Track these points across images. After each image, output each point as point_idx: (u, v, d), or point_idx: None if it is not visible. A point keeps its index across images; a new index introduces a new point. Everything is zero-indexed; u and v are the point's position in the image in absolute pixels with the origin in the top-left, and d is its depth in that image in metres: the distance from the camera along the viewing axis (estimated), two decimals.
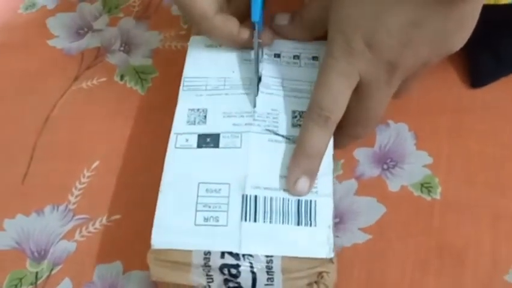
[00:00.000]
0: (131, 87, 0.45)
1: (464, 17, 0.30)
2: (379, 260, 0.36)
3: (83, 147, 0.42)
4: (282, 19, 0.37)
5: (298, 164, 0.31)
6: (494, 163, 0.40)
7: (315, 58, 0.37)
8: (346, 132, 0.35)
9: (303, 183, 0.31)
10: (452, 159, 0.40)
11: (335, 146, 0.34)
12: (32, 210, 0.39)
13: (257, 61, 0.35)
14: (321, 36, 0.36)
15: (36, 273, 0.37)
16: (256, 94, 0.34)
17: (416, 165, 0.39)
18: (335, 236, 0.37)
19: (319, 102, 0.32)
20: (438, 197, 0.38)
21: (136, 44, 0.47)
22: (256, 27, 0.34)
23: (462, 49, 0.43)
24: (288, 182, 0.31)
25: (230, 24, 0.35)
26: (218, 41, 0.36)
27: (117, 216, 0.39)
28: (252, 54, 0.36)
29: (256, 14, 0.33)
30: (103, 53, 0.47)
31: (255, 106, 0.34)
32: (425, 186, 0.39)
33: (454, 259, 0.36)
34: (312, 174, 0.31)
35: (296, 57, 0.37)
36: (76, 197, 0.40)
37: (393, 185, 0.39)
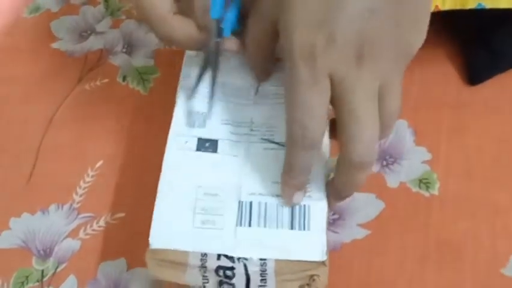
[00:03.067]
0: (134, 88, 0.45)
1: (418, 8, 0.29)
2: (378, 256, 0.36)
3: (87, 147, 0.43)
4: (232, 43, 0.34)
5: (287, 182, 0.31)
6: (492, 158, 0.40)
7: None
8: (344, 161, 0.30)
9: (297, 197, 0.31)
10: (451, 155, 0.40)
11: (342, 196, 0.33)
12: (38, 209, 0.40)
13: (215, 64, 0.34)
14: None
15: (42, 271, 0.38)
16: (211, 98, 0.34)
17: (414, 161, 0.40)
18: (335, 233, 0.37)
19: (296, 122, 0.29)
20: (436, 192, 0.39)
21: (137, 45, 0.48)
22: (215, 25, 0.32)
23: (458, 46, 0.44)
24: (284, 199, 0.31)
25: (189, 25, 0.33)
26: (177, 43, 0.34)
27: (121, 215, 0.39)
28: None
29: (216, 10, 0.32)
30: (105, 55, 0.47)
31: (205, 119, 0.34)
32: (424, 182, 0.39)
33: (452, 254, 0.36)
34: (303, 187, 0.31)
35: None
36: (81, 196, 0.40)
37: (392, 181, 0.39)
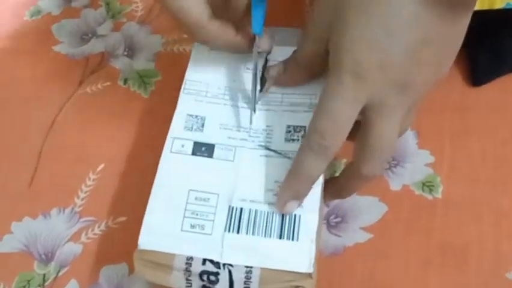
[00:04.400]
0: (135, 91, 0.45)
1: (459, 36, 0.31)
2: (381, 259, 0.36)
3: (88, 151, 0.43)
4: (276, 71, 0.35)
5: (290, 187, 0.31)
6: (495, 161, 0.40)
7: None
8: (357, 173, 0.32)
9: (291, 205, 0.31)
10: (454, 157, 0.40)
11: (342, 196, 0.35)
12: (39, 213, 0.40)
13: (256, 71, 0.34)
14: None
15: (44, 275, 0.37)
16: (254, 107, 0.34)
17: (417, 164, 0.40)
18: (338, 236, 0.37)
19: (320, 130, 0.30)
20: (440, 195, 0.38)
21: (139, 48, 0.48)
22: (257, 37, 0.34)
23: (462, 48, 0.43)
24: (278, 202, 0.31)
25: (227, 31, 0.33)
26: (215, 48, 0.35)
27: (122, 218, 0.39)
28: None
29: (257, 25, 0.33)
30: (106, 58, 0.47)
31: (251, 122, 0.34)
32: (427, 185, 0.39)
33: (456, 257, 0.36)
34: (301, 197, 0.31)
35: None
36: (82, 199, 0.40)
37: (395, 184, 0.39)
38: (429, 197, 0.38)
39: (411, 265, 0.36)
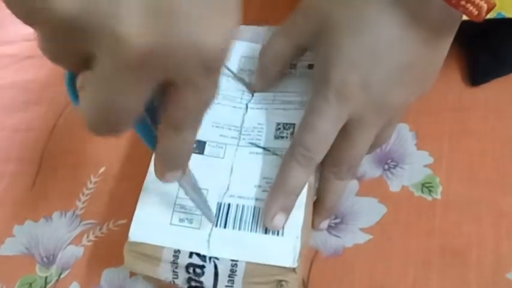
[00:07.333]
0: None
1: (441, 57, 0.32)
2: (381, 260, 0.36)
3: (89, 154, 0.43)
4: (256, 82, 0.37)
5: (277, 200, 0.31)
6: (495, 161, 0.40)
7: (310, 66, 0.37)
8: (328, 172, 0.34)
9: (279, 219, 0.31)
10: (453, 158, 0.40)
11: (328, 207, 0.36)
12: (41, 216, 0.40)
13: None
14: None
15: (46, 278, 0.38)
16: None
17: (416, 165, 0.40)
18: (337, 237, 0.37)
19: (305, 144, 0.32)
20: (439, 196, 0.38)
21: None
22: None
23: (462, 48, 0.43)
24: (266, 217, 0.31)
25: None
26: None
27: (123, 221, 0.39)
28: (252, 65, 0.37)
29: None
30: None
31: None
32: (426, 186, 0.39)
33: (456, 258, 0.36)
34: (289, 210, 0.32)
35: (293, 66, 0.37)
36: (83, 202, 0.41)
37: (394, 185, 0.39)
38: (429, 198, 0.38)
39: (411, 266, 0.36)
